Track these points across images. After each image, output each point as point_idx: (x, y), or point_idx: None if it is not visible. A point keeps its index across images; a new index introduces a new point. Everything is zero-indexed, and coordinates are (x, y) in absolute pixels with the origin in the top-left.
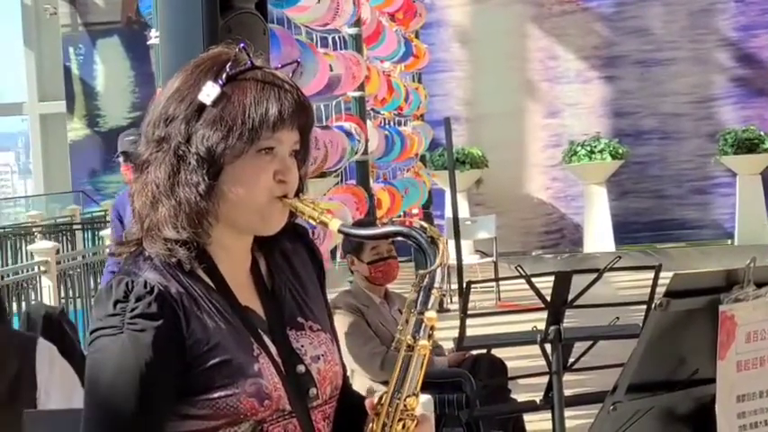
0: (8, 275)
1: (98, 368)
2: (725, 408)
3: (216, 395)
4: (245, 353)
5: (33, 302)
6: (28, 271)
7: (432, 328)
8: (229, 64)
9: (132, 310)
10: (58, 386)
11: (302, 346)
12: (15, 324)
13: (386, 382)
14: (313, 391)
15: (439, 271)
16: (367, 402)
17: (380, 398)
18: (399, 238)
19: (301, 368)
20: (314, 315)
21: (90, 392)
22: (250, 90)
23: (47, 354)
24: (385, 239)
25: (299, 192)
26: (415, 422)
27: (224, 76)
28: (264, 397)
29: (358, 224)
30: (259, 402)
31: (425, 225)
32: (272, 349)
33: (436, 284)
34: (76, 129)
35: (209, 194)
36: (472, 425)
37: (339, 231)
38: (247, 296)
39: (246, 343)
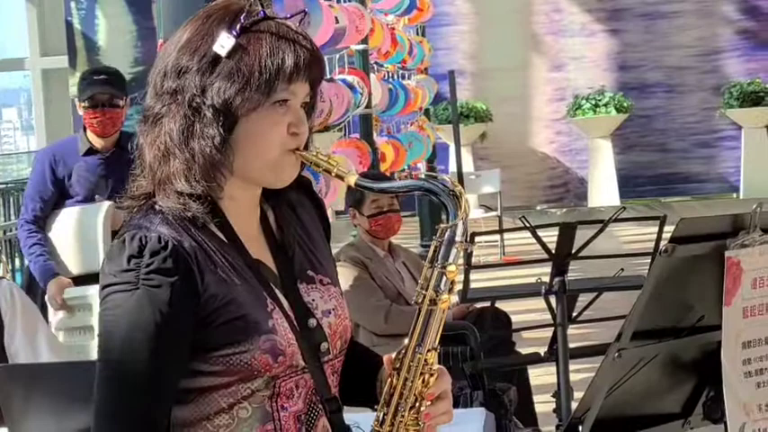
0: (10, 230)
1: (112, 324)
2: (730, 354)
3: (230, 351)
4: (260, 309)
5: None
6: None
7: (452, 282)
8: (243, 14)
9: (148, 265)
10: (20, 322)
11: (313, 300)
12: (18, 280)
13: (389, 336)
14: (324, 345)
15: (461, 225)
16: (385, 358)
17: (399, 353)
18: (418, 193)
19: (313, 322)
20: (323, 268)
21: (104, 349)
22: (266, 41)
23: (7, 292)
24: (405, 193)
25: (307, 145)
26: (435, 376)
27: (238, 26)
28: (278, 353)
29: (374, 177)
30: (273, 359)
31: (447, 178)
32: (285, 304)
33: (458, 238)
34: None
35: (223, 147)
36: (476, 377)
37: (356, 185)
38: (258, 249)
39: (260, 298)
